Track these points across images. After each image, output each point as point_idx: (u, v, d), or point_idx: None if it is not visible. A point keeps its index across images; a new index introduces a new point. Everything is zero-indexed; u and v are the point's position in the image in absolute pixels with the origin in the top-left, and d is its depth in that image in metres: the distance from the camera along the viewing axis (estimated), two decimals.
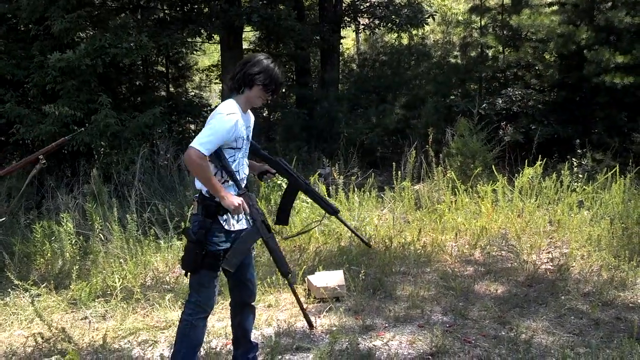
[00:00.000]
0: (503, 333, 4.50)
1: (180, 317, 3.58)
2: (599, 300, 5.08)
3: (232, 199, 3.36)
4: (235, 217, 3.50)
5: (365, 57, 17.05)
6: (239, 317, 3.80)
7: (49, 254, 6.12)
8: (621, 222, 6.53)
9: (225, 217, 3.45)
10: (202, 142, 3.28)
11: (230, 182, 3.47)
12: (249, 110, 3.60)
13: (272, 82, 3.48)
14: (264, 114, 15.89)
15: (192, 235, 3.42)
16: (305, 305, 5.08)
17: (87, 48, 9.16)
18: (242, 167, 3.55)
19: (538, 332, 4.50)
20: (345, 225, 4.13)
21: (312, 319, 4.76)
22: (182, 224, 6.56)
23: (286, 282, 3.82)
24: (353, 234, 4.05)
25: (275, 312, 4.99)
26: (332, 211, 3.91)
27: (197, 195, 3.54)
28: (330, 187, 7.70)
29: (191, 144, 3.29)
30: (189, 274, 3.54)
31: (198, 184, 3.49)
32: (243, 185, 3.54)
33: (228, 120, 3.33)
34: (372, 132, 12.52)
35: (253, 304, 3.84)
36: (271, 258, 3.61)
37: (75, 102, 9.31)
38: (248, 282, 3.74)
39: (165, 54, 12.71)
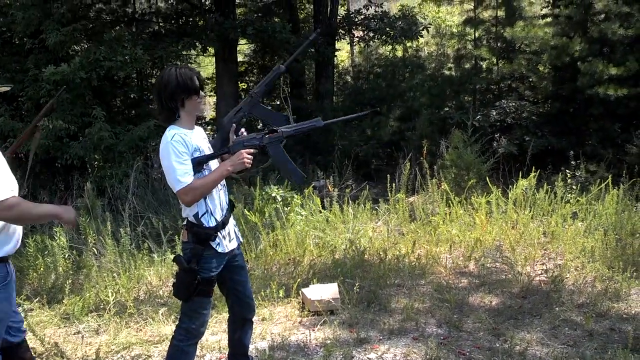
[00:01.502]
0: (497, 345, 4.49)
1: (170, 340, 3.54)
2: (593, 311, 5.07)
3: (232, 160, 3.37)
4: (227, 236, 3.46)
5: (359, 69, 17.12)
6: (239, 332, 3.77)
7: (42, 268, 6.09)
8: (615, 233, 6.54)
9: (217, 240, 3.40)
10: (178, 176, 3.23)
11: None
12: (195, 126, 3.51)
13: (193, 84, 3.35)
14: (258, 127, 15.91)
15: (184, 264, 3.36)
16: (299, 319, 5.08)
17: (81, 61, 9.19)
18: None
19: (532, 344, 4.49)
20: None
21: (307, 332, 4.77)
22: (176, 237, 6.55)
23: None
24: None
25: (269, 325, 4.98)
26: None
27: (184, 223, 3.47)
28: (324, 200, 7.69)
29: (175, 190, 3.26)
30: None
31: (184, 212, 3.43)
32: (225, 200, 3.53)
33: (175, 141, 3.25)
34: (366, 144, 12.55)
35: (254, 319, 3.82)
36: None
37: (70, 115, 9.32)
38: (247, 298, 3.72)
39: (160, 67, 12.73)
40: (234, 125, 3.61)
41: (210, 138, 3.71)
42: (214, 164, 3.48)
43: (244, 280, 3.69)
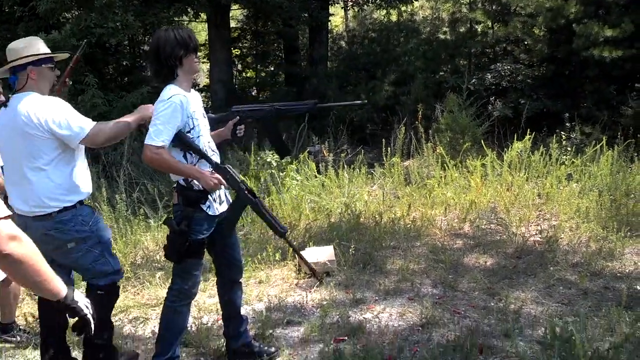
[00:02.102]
0: (492, 304, 4.53)
1: (164, 301, 3.57)
2: (588, 270, 5.11)
3: (207, 178, 3.29)
4: (218, 199, 3.47)
5: (354, 34, 16.98)
6: (229, 294, 3.78)
7: None
8: (609, 194, 6.57)
9: (207, 203, 3.39)
10: (153, 135, 3.19)
11: (203, 161, 3.39)
12: (192, 90, 3.48)
13: (192, 41, 3.32)
14: (253, 93, 15.85)
15: (174, 226, 3.37)
16: (295, 281, 5.12)
17: (72, 28, 9.09)
18: (208, 143, 3.46)
19: (527, 303, 4.54)
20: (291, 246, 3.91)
21: (303, 293, 4.81)
22: (172, 203, 6.55)
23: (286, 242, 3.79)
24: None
25: (266, 287, 5.01)
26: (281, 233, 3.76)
27: (175, 185, 3.48)
28: (320, 165, 7.69)
29: (145, 142, 3.22)
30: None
31: (174, 175, 3.43)
32: (217, 161, 3.47)
33: (171, 104, 3.21)
34: (361, 109, 12.50)
35: (241, 280, 3.84)
36: (264, 223, 3.58)
37: None
38: (236, 261, 3.73)
39: (151, 33, 12.60)
40: (238, 117, 3.69)
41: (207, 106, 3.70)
42: (205, 130, 3.46)
43: (233, 242, 3.70)
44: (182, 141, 3.30)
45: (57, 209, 3.33)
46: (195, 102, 3.42)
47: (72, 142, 3.33)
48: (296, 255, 3.62)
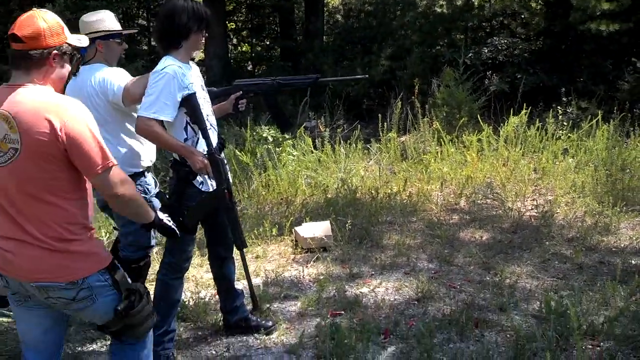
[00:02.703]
0: (488, 278, 4.57)
1: (156, 274, 3.58)
2: (583, 245, 5.14)
3: (196, 160, 3.26)
4: (209, 177, 3.45)
5: (350, 7, 16.82)
6: (220, 269, 3.78)
7: None
8: (605, 168, 6.58)
9: (200, 179, 3.38)
10: (146, 107, 3.16)
11: (201, 138, 3.34)
12: (191, 63, 3.46)
13: (204, 21, 3.31)
14: (249, 68, 15.76)
15: (165, 200, 3.38)
16: (292, 256, 5.14)
17: (66, 1, 8.98)
18: (207, 117, 3.40)
19: (522, 277, 4.57)
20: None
21: (300, 268, 4.83)
22: (168, 177, 6.54)
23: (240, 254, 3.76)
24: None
25: (263, 262, 5.03)
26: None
27: (171, 159, 3.48)
28: (316, 140, 7.68)
29: (137, 113, 3.21)
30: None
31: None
32: (215, 141, 3.43)
33: (164, 75, 3.18)
34: (357, 84, 12.44)
35: (232, 256, 3.83)
36: (230, 230, 3.51)
37: None
38: (225, 238, 3.69)
39: (146, 7, 12.50)
40: (241, 91, 3.70)
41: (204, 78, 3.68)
42: (205, 104, 3.43)
43: (222, 221, 3.67)
44: (190, 106, 3.26)
45: None
46: (193, 75, 3.40)
47: (121, 107, 3.48)
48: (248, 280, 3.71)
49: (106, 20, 3.62)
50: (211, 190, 3.42)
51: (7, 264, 2.36)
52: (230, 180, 3.54)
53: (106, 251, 2.54)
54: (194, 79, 3.37)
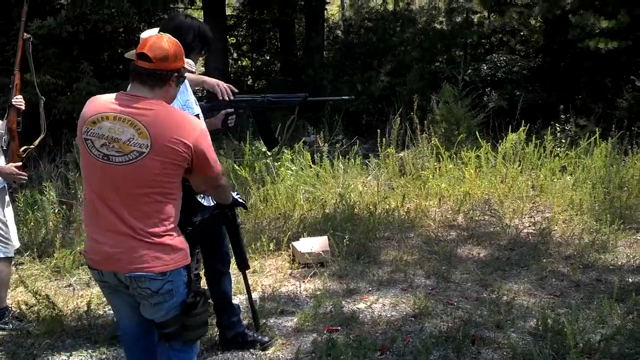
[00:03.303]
0: (485, 295, 4.56)
1: None
2: (580, 262, 5.14)
3: None
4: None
5: (350, 23, 16.90)
6: (217, 285, 3.75)
7: (32, 223, 6.09)
8: (603, 186, 6.59)
9: (202, 194, 3.40)
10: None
11: None
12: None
13: (207, 44, 3.35)
14: (249, 82, 15.81)
15: None
16: (289, 271, 5.13)
17: (67, 15, 9.05)
18: None
19: (519, 294, 4.56)
20: None
21: (297, 283, 4.82)
22: None
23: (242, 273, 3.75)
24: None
25: (260, 277, 5.02)
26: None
27: None
28: (315, 155, 7.69)
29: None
30: None
31: None
32: None
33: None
34: (357, 99, 12.48)
35: (229, 271, 3.82)
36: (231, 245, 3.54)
37: (57, 70, 9.21)
38: (222, 253, 3.70)
39: (147, 20, 12.55)
40: (232, 107, 3.70)
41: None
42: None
43: (223, 234, 3.66)
44: None
45: None
46: (188, 91, 3.39)
47: None
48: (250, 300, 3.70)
49: None
50: (213, 204, 3.40)
51: (104, 258, 2.61)
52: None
53: (188, 250, 2.76)
54: (189, 95, 3.37)
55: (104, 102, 2.62)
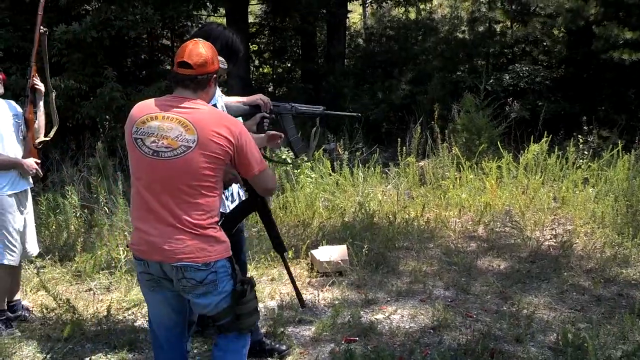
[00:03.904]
0: (505, 308, 4.52)
1: None
2: (602, 276, 5.08)
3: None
4: (230, 197, 3.46)
5: (372, 31, 16.90)
6: None
7: (53, 227, 6.16)
8: (625, 199, 6.52)
9: (227, 193, 3.41)
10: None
11: None
12: None
13: (235, 56, 3.42)
14: (270, 89, 15.86)
15: None
16: (308, 279, 5.13)
17: (92, 20, 9.14)
18: None
19: (540, 308, 4.52)
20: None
21: (315, 292, 4.82)
22: None
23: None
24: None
25: (278, 285, 5.02)
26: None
27: None
28: (335, 163, 7.69)
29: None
30: None
31: None
32: None
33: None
34: (377, 107, 12.47)
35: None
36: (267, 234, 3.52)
37: (81, 75, 9.30)
38: (242, 263, 3.71)
39: (170, 27, 12.65)
40: (269, 112, 3.78)
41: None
42: None
43: (237, 241, 3.65)
44: None
45: None
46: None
47: None
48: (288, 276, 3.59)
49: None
50: (228, 210, 3.38)
51: (151, 248, 2.73)
52: None
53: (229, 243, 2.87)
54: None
55: (151, 104, 2.79)
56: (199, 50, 2.76)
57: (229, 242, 2.85)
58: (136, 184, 2.79)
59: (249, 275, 3.79)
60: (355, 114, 4.64)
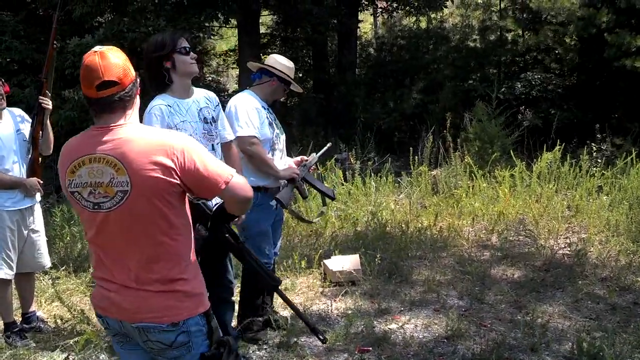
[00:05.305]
0: (519, 317, 4.49)
1: None
2: (617, 285, 5.04)
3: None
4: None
5: (383, 41, 16.95)
6: (217, 312, 3.71)
7: (68, 238, 6.20)
8: None
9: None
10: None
11: None
12: (196, 93, 3.54)
13: (166, 46, 3.34)
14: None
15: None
16: (321, 289, 5.12)
17: (105, 33, 9.24)
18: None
19: (554, 317, 4.49)
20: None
21: (328, 302, 4.81)
22: None
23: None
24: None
25: (291, 295, 5.02)
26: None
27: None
28: (347, 172, 7.70)
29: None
30: None
31: None
32: None
33: (149, 116, 3.26)
34: (389, 116, 12.49)
35: (233, 299, 3.81)
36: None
37: None
38: (226, 280, 3.69)
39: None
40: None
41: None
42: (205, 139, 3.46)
43: (226, 265, 3.67)
44: None
45: None
46: (191, 107, 3.39)
47: None
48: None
49: (279, 64, 4.14)
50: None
51: (109, 304, 2.30)
52: None
53: (207, 294, 2.43)
54: (188, 116, 3.35)
55: (76, 145, 2.29)
56: (111, 60, 2.19)
57: (205, 293, 2.39)
58: (88, 239, 2.37)
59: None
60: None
